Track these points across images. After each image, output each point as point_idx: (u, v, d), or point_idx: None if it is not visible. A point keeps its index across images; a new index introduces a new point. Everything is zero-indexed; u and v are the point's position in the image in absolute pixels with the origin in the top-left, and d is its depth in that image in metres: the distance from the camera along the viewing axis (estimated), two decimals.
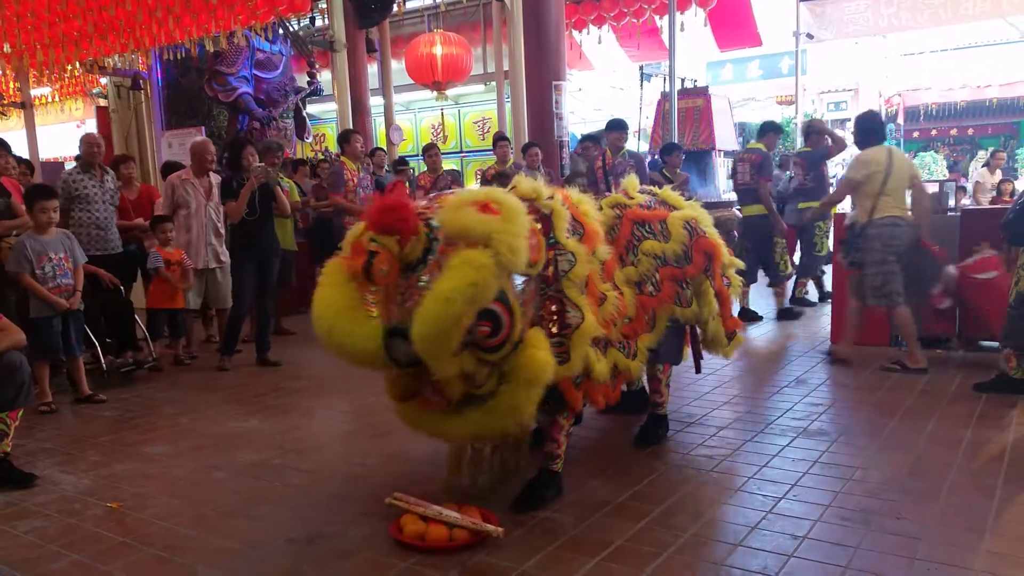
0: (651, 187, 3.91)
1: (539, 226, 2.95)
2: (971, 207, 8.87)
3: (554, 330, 2.97)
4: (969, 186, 12.19)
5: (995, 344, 5.67)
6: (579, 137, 9.85)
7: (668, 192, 3.84)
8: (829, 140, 7.81)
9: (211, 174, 6.45)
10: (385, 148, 10.12)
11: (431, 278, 2.66)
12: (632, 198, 3.65)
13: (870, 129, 5.48)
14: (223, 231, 6.41)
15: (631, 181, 3.76)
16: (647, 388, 4.13)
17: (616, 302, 3.23)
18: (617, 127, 7.86)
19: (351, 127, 9.05)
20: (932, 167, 18.67)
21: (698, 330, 3.90)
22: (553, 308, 3.00)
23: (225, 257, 6.39)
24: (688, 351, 4.00)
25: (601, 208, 3.50)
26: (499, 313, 2.70)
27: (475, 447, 3.32)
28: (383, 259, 2.66)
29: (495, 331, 2.70)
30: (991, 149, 14.65)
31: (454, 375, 2.73)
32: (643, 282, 3.46)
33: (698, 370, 4.20)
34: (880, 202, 5.18)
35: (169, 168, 7.04)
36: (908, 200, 5.30)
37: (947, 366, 5.30)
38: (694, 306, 3.65)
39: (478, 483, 3.32)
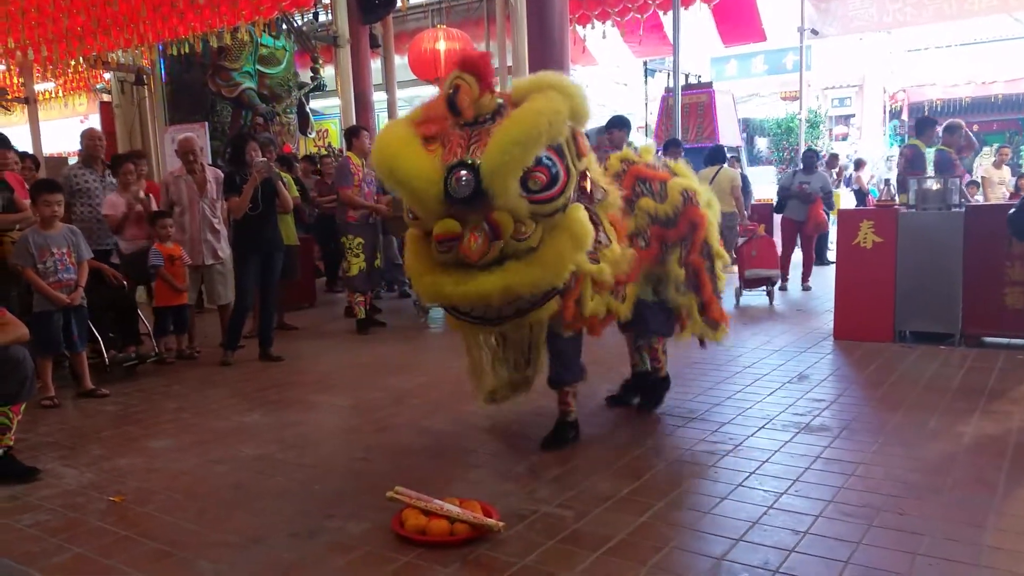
0: (666, 159, 4.17)
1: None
2: (980, 203, 8.85)
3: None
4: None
5: (998, 340, 5.68)
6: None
7: (679, 165, 4.04)
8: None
9: (208, 169, 6.42)
10: None
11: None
12: (641, 157, 3.89)
13: None
14: (219, 227, 6.37)
15: (647, 148, 4.02)
16: (648, 363, 4.36)
17: (630, 257, 3.50)
18: (618, 124, 7.79)
19: (355, 123, 9.05)
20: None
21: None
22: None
23: (223, 253, 6.37)
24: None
25: (610, 161, 3.77)
26: (558, 165, 2.98)
27: (494, 347, 3.58)
28: (466, 92, 2.97)
29: (552, 183, 2.96)
30: (996, 145, 14.59)
31: (514, 203, 2.91)
32: (637, 235, 3.67)
33: (702, 344, 4.36)
34: None
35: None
36: None
37: (949, 362, 5.29)
38: (671, 267, 3.82)
39: (497, 395, 3.71)
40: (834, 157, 12.52)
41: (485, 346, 3.63)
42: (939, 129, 7.77)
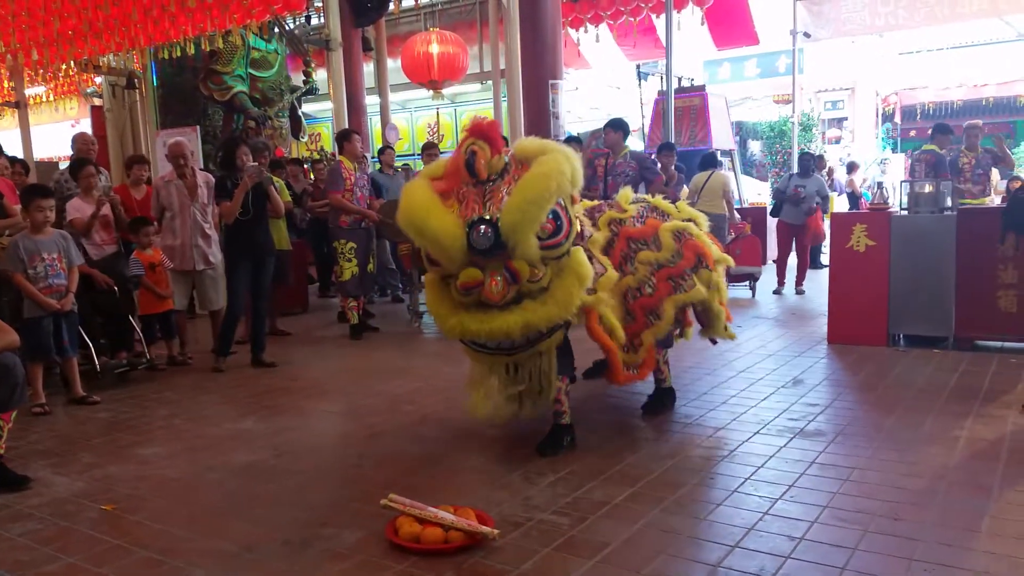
0: (644, 195, 4.60)
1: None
2: (968, 207, 8.88)
3: None
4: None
5: (991, 344, 5.69)
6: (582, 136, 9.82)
7: (659, 200, 4.42)
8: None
9: (199, 174, 6.38)
10: (393, 148, 10.09)
11: (509, 187, 3.38)
12: (625, 211, 4.18)
13: None
14: (210, 232, 6.32)
15: (624, 194, 4.35)
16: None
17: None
18: (613, 126, 7.80)
19: (347, 126, 9.03)
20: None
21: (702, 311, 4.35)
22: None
23: (214, 258, 6.32)
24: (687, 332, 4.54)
25: (599, 227, 4.07)
26: (562, 216, 3.43)
27: (506, 368, 3.82)
28: (481, 156, 3.43)
29: (556, 231, 3.40)
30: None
31: (531, 253, 3.35)
32: (641, 286, 4.00)
33: (714, 342, 4.70)
34: None
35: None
36: None
37: (943, 366, 5.30)
38: (699, 289, 4.09)
39: (501, 412, 3.85)
40: (820, 159, 12.51)
41: (497, 374, 3.85)
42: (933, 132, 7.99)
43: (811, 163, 9.32)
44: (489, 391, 3.84)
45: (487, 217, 3.33)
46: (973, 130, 8.24)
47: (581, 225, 3.75)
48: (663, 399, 4.52)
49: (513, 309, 3.44)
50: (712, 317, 4.33)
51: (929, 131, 8.89)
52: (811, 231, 9.17)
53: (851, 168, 14.66)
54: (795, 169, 9.63)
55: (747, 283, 8.91)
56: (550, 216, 3.37)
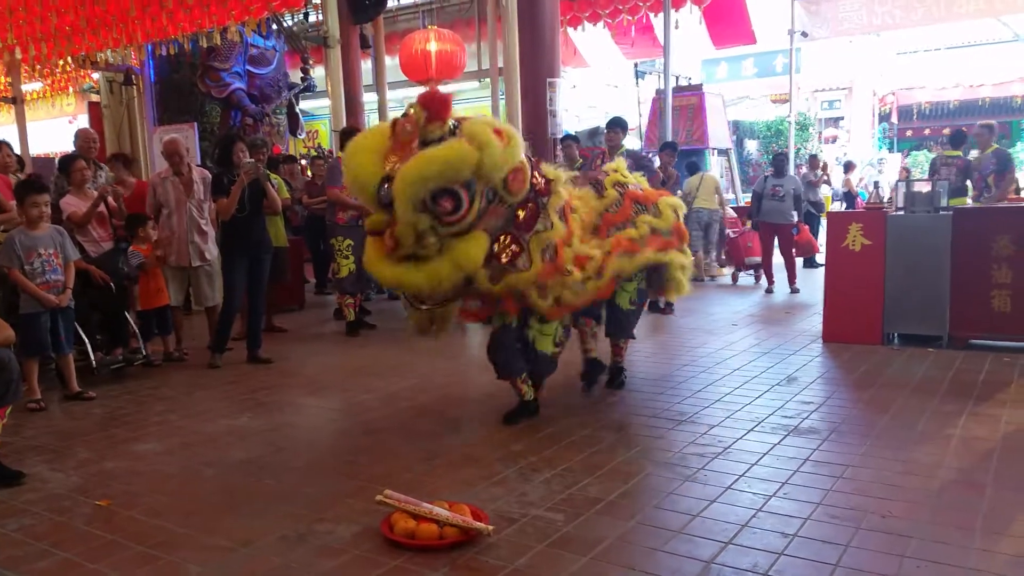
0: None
1: (529, 168, 3.77)
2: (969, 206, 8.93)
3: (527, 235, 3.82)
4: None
5: (985, 342, 5.71)
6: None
7: (641, 177, 4.81)
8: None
9: (196, 170, 6.38)
10: None
11: None
12: (626, 177, 4.60)
13: None
14: (207, 228, 6.31)
15: (620, 161, 4.79)
16: (611, 354, 4.96)
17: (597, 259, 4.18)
18: (613, 125, 7.84)
19: (345, 124, 9.03)
20: (925, 166, 18.70)
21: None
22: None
23: (211, 255, 6.31)
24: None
25: (606, 188, 4.45)
26: (463, 199, 3.51)
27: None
28: (409, 120, 3.59)
29: (454, 210, 3.50)
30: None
31: (408, 224, 3.49)
32: (640, 238, 4.45)
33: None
34: None
35: None
36: None
37: (937, 364, 5.31)
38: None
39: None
40: (814, 158, 12.51)
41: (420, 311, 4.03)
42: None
43: (784, 163, 9.59)
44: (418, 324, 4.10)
45: (392, 176, 3.50)
46: (984, 133, 8.52)
47: (544, 184, 3.87)
48: (619, 375, 4.97)
49: (421, 265, 3.61)
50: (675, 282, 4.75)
51: (926, 131, 9.08)
52: (802, 245, 9.53)
53: (847, 168, 14.69)
54: (770, 169, 9.72)
55: (752, 271, 10.03)
56: (447, 195, 3.46)
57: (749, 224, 9.71)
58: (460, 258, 3.60)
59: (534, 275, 3.84)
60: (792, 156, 13.54)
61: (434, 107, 3.58)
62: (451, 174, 3.44)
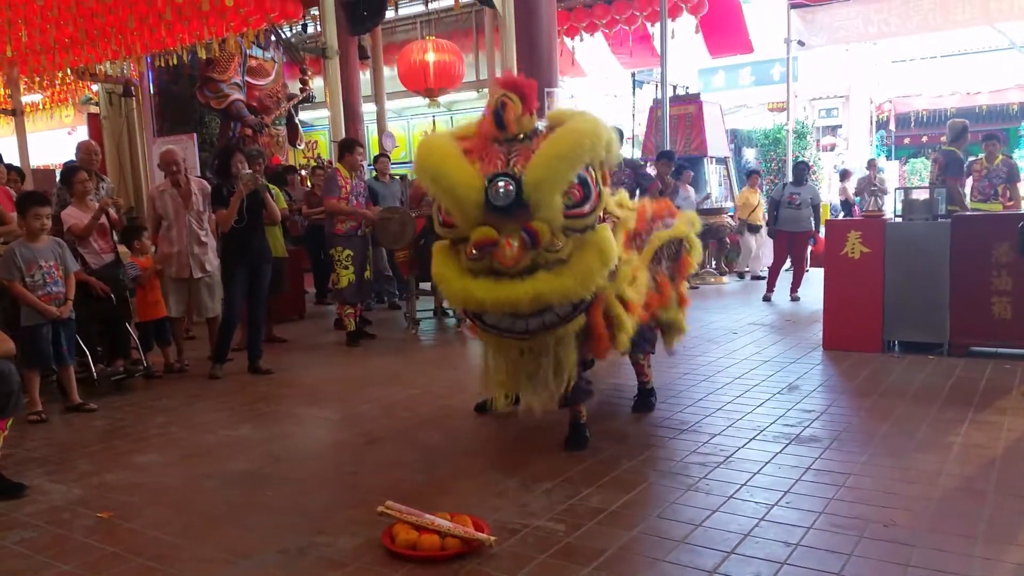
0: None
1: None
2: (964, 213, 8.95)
3: None
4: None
5: (985, 350, 5.71)
6: None
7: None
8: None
9: (194, 181, 6.38)
10: (389, 155, 10.11)
11: (538, 148, 3.15)
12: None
13: None
14: (206, 239, 6.31)
15: (622, 196, 4.20)
16: (636, 375, 4.68)
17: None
18: (665, 157, 7.86)
19: (345, 134, 9.05)
20: (923, 173, 18.74)
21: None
22: None
23: (211, 266, 6.31)
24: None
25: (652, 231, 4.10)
26: (591, 185, 3.19)
27: (516, 359, 3.63)
28: (511, 109, 3.20)
29: (583, 200, 3.17)
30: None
31: (554, 215, 3.12)
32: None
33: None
34: None
35: None
36: None
37: (937, 372, 5.31)
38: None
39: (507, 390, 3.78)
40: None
41: (507, 358, 3.67)
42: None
43: (805, 171, 9.41)
44: (497, 377, 3.68)
45: (510, 173, 3.11)
46: (991, 145, 8.64)
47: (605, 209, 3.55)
48: (647, 399, 4.63)
49: (525, 279, 3.20)
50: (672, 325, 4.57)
51: (924, 139, 9.16)
52: (818, 255, 9.40)
53: (844, 176, 14.71)
54: (789, 178, 9.70)
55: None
56: (577, 182, 3.16)
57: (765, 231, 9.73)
58: (605, 245, 3.25)
59: (637, 263, 3.66)
60: (789, 165, 13.57)
61: (526, 92, 3.27)
62: (596, 151, 3.15)
